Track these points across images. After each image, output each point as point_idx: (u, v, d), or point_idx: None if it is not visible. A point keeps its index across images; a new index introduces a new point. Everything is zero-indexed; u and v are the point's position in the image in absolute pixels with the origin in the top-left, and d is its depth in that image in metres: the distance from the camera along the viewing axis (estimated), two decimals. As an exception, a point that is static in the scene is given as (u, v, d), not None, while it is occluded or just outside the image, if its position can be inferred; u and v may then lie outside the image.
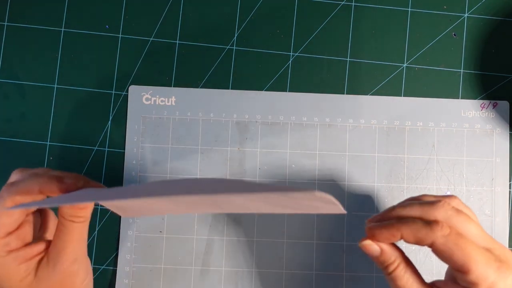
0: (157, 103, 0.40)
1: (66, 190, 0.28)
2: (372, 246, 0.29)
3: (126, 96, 0.41)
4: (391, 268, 0.29)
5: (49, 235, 0.32)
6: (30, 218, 0.30)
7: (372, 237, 0.29)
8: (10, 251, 0.28)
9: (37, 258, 0.29)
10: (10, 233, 0.29)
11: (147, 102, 0.40)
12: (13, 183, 0.29)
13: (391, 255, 0.29)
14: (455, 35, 0.41)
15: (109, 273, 0.39)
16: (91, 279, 0.31)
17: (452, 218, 0.28)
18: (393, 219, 0.29)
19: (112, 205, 0.30)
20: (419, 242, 0.28)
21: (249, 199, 0.25)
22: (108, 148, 0.37)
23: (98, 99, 0.41)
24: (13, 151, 0.40)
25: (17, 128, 0.41)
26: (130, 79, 0.41)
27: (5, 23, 0.41)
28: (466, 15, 0.41)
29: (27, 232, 0.30)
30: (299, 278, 0.39)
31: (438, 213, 0.28)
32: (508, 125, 0.40)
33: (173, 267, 0.39)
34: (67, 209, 0.29)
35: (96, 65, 0.41)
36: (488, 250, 0.27)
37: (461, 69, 0.41)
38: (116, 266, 0.39)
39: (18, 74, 0.41)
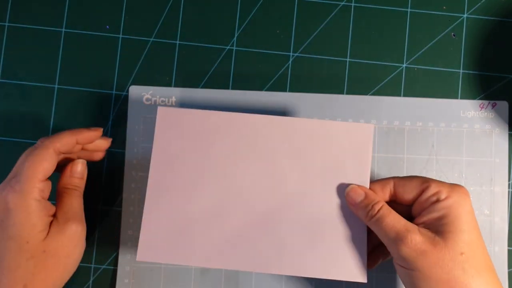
0: (157, 103, 0.40)
1: (96, 136, 0.35)
2: (357, 189, 0.32)
3: (127, 96, 0.41)
4: (377, 207, 0.31)
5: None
6: (50, 184, 0.34)
7: None
8: (43, 198, 0.32)
9: (51, 218, 0.32)
10: (46, 181, 0.32)
11: (147, 102, 0.41)
12: (52, 135, 0.33)
13: (374, 196, 0.32)
14: (454, 35, 0.41)
15: (110, 272, 0.40)
16: (80, 254, 0.34)
17: None
18: None
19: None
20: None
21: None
22: (108, 148, 0.38)
23: (98, 99, 0.41)
24: (13, 151, 0.40)
25: (17, 128, 0.41)
26: (130, 79, 0.41)
27: (6, 24, 0.41)
28: (465, 15, 0.41)
29: (49, 190, 0.33)
30: (299, 278, 0.39)
31: None
32: (507, 125, 0.40)
33: (173, 267, 0.39)
34: (66, 178, 0.34)
35: (97, 66, 0.41)
36: None
37: (460, 70, 0.41)
38: (116, 266, 0.39)
39: (18, 74, 0.41)
